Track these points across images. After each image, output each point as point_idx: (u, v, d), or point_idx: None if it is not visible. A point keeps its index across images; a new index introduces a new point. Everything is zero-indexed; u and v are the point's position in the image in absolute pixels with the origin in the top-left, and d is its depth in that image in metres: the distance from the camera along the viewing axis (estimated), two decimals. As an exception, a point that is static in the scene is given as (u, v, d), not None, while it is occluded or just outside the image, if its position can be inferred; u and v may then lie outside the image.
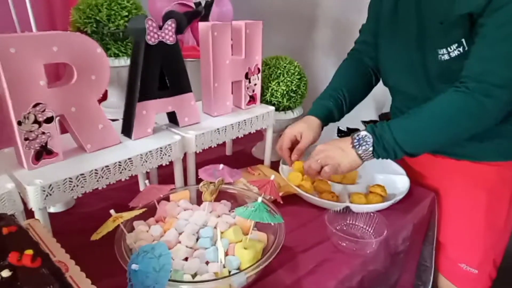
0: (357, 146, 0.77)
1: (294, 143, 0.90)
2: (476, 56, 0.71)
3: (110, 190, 0.79)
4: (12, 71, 0.53)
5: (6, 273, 0.38)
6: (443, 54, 0.77)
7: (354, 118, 1.15)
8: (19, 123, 0.56)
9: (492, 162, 0.88)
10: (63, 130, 0.66)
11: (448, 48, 0.75)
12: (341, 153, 0.78)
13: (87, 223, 0.58)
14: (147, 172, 0.84)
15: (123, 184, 0.73)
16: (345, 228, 0.77)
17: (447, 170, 0.93)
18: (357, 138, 0.78)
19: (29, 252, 0.40)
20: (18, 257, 0.39)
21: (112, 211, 0.55)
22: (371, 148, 0.76)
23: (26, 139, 0.57)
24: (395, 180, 0.91)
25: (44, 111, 0.58)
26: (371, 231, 0.76)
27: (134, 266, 0.46)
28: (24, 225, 0.51)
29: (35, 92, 0.57)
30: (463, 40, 0.73)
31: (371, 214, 0.77)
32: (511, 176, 0.89)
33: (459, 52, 0.74)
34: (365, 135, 0.77)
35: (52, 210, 0.78)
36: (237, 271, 0.54)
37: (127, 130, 0.72)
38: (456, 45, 0.74)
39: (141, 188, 0.87)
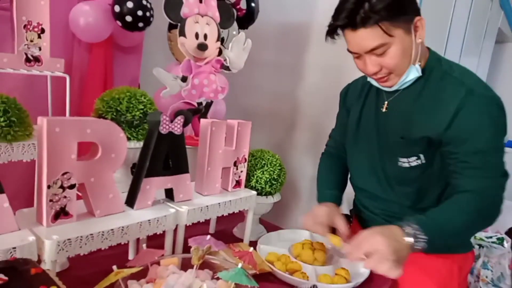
0: (411, 241, 0.80)
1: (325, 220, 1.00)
2: (470, 177, 0.88)
3: (102, 257, 0.89)
4: (53, 145, 0.68)
5: (36, 302, 0.47)
6: (403, 163, 0.95)
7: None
8: (48, 186, 0.68)
9: (441, 255, 1.02)
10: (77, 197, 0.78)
11: (409, 159, 0.94)
12: (396, 243, 0.79)
13: (80, 284, 0.66)
14: (137, 240, 0.94)
15: (114, 252, 0.83)
16: (312, 304, 0.86)
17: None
18: (412, 236, 0.80)
19: (55, 287, 0.49)
20: (47, 290, 0.48)
21: (114, 267, 0.65)
22: (424, 246, 0.80)
23: (50, 200, 0.69)
24: (359, 265, 1.03)
25: (69, 179, 0.71)
26: (335, 309, 0.85)
27: (132, 312, 0.55)
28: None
29: (66, 163, 0.70)
30: (421, 155, 0.93)
31: (336, 293, 0.87)
32: (457, 268, 1.03)
33: (417, 163, 0.94)
34: (419, 234, 0.80)
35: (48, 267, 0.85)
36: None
37: (130, 201, 0.84)
38: (416, 157, 0.93)
39: (130, 257, 0.96)
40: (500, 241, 1.66)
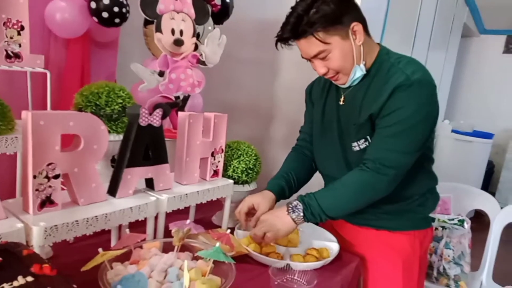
0: (291, 213, 0.99)
1: (251, 210, 1.10)
2: (374, 146, 1.01)
3: (85, 246, 0.93)
4: (38, 137, 0.71)
5: (30, 279, 0.52)
6: (355, 147, 1.06)
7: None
8: (34, 177, 0.72)
9: (405, 232, 1.13)
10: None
11: (358, 142, 1.05)
12: (279, 221, 1.00)
13: (64, 269, 0.70)
14: (119, 228, 0.99)
15: (97, 241, 0.88)
16: (285, 281, 0.94)
17: (371, 239, 1.15)
18: (291, 206, 1.00)
19: (47, 265, 0.54)
20: (40, 268, 0.53)
21: (100, 249, 0.70)
22: (302, 214, 0.98)
23: (36, 189, 0.73)
24: (328, 245, 1.11)
25: (54, 169, 0.75)
26: (306, 284, 0.93)
27: (118, 287, 0.60)
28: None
29: (51, 154, 0.74)
30: (368, 137, 1.03)
31: (307, 271, 0.95)
32: (419, 243, 1.14)
33: (365, 145, 1.03)
34: (297, 204, 1.00)
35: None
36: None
37: (112, 190, 0.88)
38: (363, 140, 1.04)
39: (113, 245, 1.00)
40: (461, 222, 1.79)
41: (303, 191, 1.21)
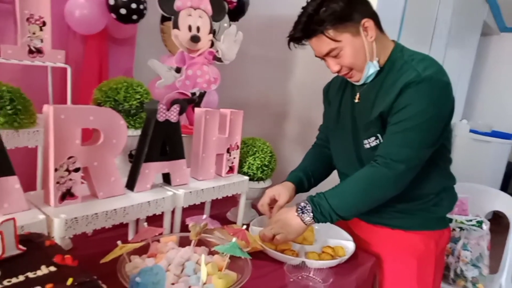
0: (300, 214, 0.98)
1: (273, 201, 1.11)
2: (384, 143, 1.00)
3: (103, 239, 0.94)
4: (59, 131, 0.73)
5: (53, 268, 0.53)
6: (365, 144, 1.05)
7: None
8: (56, 170, 0.74)
9: (419, 231, 1.11)
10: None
11: (369, 140, 1.04)
12: (289, 222, 1.00)
13: (84, 261, 0.71)
14: (137, 222, 1.00)
15: (114, 234, 0.89)
16: (300, 278, 0.93)
17: (386, 238, 1.14)
18: (300, 208, 0.99)
19: (69, 256, 0.55)
20: (62, 258, 0.54)
21: (119, 242, 0.71)
22: (311, 215, 0.97)
23: (57, 182, 0.74)
24: (344, 244, 1.10)
25: (74, 162, 0.76)
26: (321, 282, 0.92)
27: (137, 279, 0.61)
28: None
29: (71, 148, 0.75)
30: (378, 135, 1.02)
31: (322, 268, 0.94)
32: (434, 243, 1.11)
33: (376, 143, 1.02)
34: (305, 205, 0.99)
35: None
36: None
37: (130, 184, 0.90)
38: (374, 138, 1.03)
39: (130, 239, 1.01)
40: (479, 224, 1.75)
41: (320, 188, 1.21)
